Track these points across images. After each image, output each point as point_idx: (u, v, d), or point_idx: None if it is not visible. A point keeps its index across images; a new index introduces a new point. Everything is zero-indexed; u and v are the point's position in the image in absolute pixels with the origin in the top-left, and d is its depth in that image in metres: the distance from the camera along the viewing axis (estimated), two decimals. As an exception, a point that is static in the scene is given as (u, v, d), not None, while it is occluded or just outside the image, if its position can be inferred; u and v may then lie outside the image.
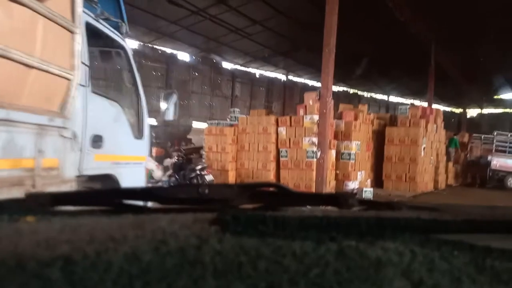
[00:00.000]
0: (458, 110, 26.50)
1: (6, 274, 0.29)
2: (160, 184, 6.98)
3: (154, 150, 9.07)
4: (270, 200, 0.67)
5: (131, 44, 11.32)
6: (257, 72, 19.59)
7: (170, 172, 7.84)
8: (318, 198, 0.69)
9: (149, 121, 3.42)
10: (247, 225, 0.40)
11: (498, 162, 13.80)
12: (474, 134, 15.36)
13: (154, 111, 6.03)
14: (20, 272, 0.29)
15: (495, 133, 13.92)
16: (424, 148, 10.91)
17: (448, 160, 13.25)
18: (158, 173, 7.19)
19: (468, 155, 15.05)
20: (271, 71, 19.86)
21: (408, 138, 10.55)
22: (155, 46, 15.30)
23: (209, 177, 7.98)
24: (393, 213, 0.53)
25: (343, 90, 22.61)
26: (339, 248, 0.35)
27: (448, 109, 26.07)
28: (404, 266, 0.34)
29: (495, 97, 26.86)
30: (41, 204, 0.62)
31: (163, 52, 15.79)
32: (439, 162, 12.31)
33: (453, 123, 23.72)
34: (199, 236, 0.36)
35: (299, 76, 20.59)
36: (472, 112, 27.04)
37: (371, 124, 10.74)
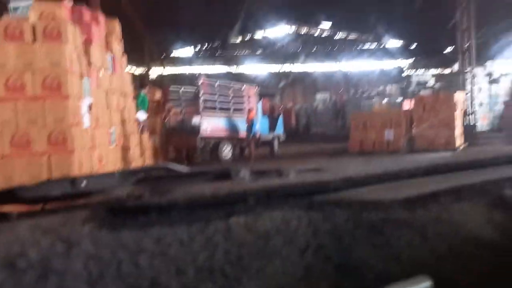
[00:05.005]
0: (138, 71, 21.30)
1: None
2: None
3: None
4: (158, 184, 0.61)
5: None
6: None
7: None
8: (210, 175, 0.62)
9: None
10: (126, 217, 0.36)
11: (209, 125, 9.29)
12: (172, 87, 10.21)
13: None
14: None
15: (201, 80, 9.19)
16: (89, 108, 4.25)
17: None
18: None
19: (167, 120, 9.81)
20: None
21: (32, 75, 3.54)
22: None
23: None
24: (281, 181, 0.53)
25: None
26: (227, 226, 0.34)
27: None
28: (291, 233, 0.34)
29: (174, 54, 24.23)
30: None
31: None
32: (129, 136, 6.12)
33: (135, 88, 18.39)
34: (67, 240, 0.32)
35: None
36: (153, 74, 22.85)
37: None
